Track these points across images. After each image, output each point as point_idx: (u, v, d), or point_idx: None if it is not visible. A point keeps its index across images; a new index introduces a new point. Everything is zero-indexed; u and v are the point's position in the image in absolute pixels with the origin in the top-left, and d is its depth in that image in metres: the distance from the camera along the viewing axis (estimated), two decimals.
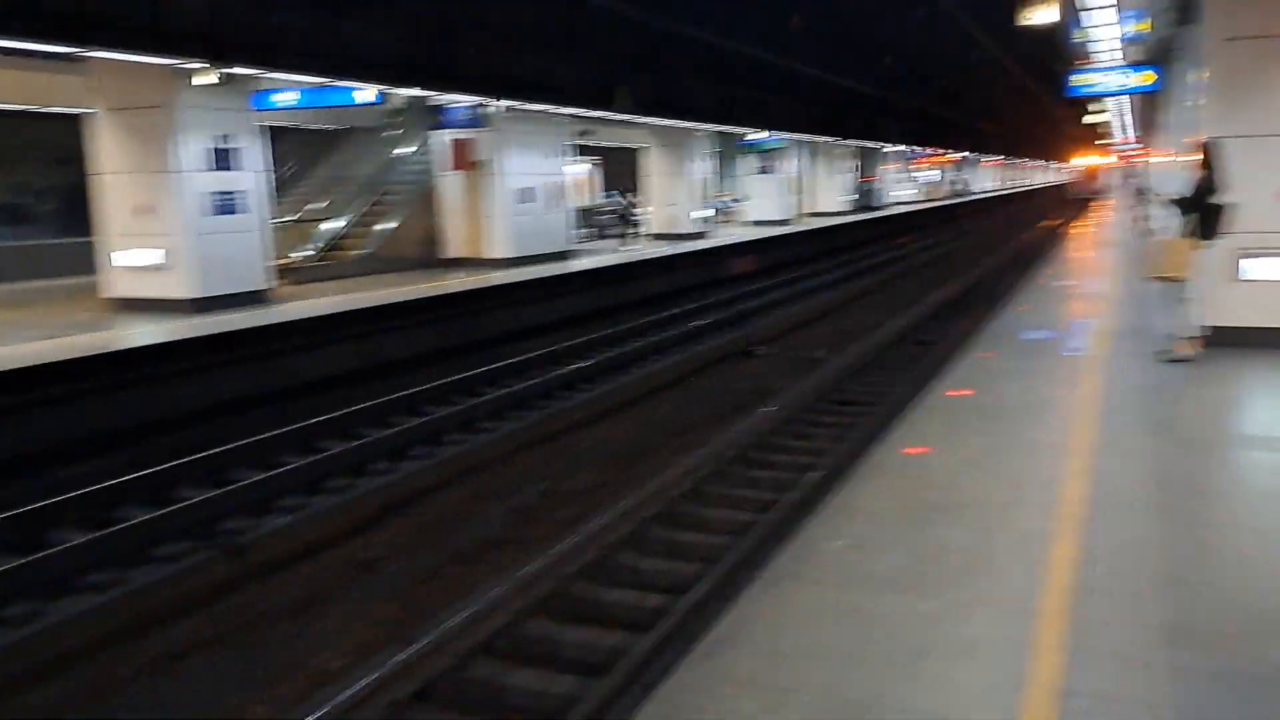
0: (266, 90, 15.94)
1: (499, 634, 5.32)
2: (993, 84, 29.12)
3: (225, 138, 11.96)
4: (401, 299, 13.53)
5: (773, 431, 9.54)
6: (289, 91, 15.51)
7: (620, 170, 27.98)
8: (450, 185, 17.34)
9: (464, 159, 16.75)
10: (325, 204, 16.89)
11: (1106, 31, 10.16)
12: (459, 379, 11.60)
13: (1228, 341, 7.99)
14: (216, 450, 8.66)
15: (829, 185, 36.44)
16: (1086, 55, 12.07)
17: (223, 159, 11.87)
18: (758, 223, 29.81)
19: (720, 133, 30.61)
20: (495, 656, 5.22)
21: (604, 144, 29.37)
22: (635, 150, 25.63)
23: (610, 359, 13.31)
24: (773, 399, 10.83)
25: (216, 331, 10.86)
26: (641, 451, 9.91)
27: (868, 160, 40.95)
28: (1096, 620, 3.51)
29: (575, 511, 7.95)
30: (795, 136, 29.07)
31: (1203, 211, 7.37)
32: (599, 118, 22.64)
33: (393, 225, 16.42)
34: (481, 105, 14.79)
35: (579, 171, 23.50)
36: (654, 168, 24.46)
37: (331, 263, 15.67)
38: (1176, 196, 7.65)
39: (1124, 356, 8.01)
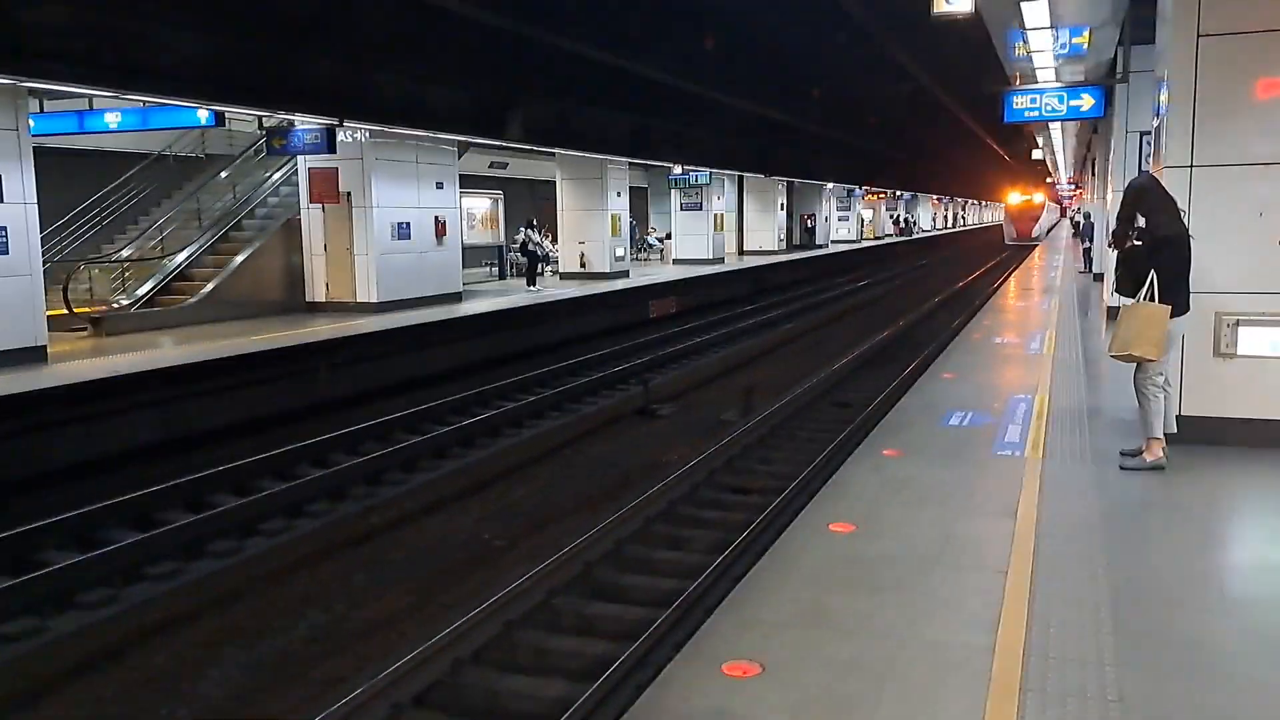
0: (97, 110, 13.80)
1: None
2: (932, 120, 27.80)
3: None
4: (231, 353, 11.32)
5: (639, 535, 7.58)
6: (112, 112, 13.39)
7: (537, 205, 26.04)
8: (314, 220, 15.18)
9: (325, 190, 14.63)
10: (157, 241, 14.59)
11: (1040, 41, 8.45)
12: (271, 455, 9.39)
13: (1202, 436, 6.12)
14: None
15: (762, 223, 34.91)
16: (1025, 77, 10.44)
17: None
18: (686, 261, 28.07)
19: (647, 166, 29.07)
20: None
21: (517, 176, 27.49)
22: (551, 183, 23.70)
23: (475, 424, 11.22)
24: (654, 478, 8.91)
25: None
26: (474, 558, 7.84)
27: (807, 197, 39.61)
28: None
29: (345, 665, 5.90)
30: (721, 171, 27.44)
31: (1156, 268, 5.55)
32: (496, 146, 20.75)
33: (239, 265, 14.17)
34: (331, 129, 12.70)
35: (480, 206, 21.44)
36: (566, 202, 22.54)
37: (163, 309, 13.37)
38: (1123, 249, 5.79)
39: (1073, 459, 5.99)
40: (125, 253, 14.41)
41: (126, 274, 13.83)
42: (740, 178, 33.71)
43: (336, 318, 14.57)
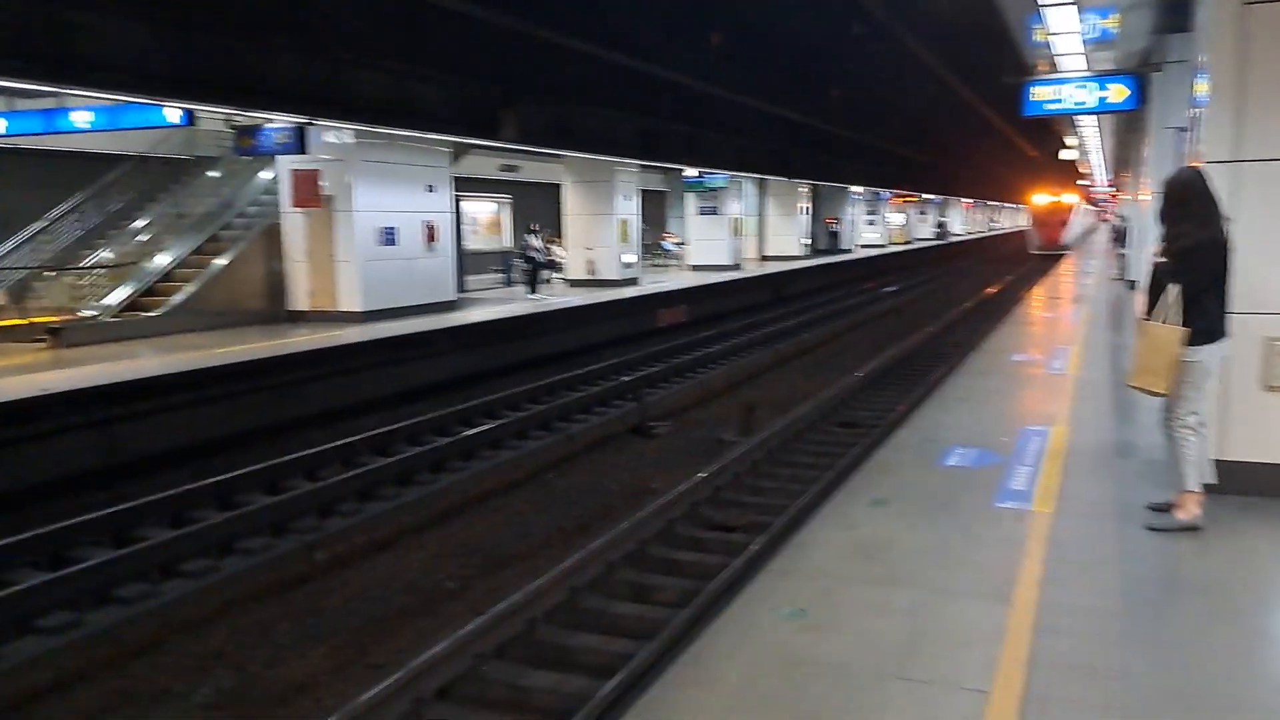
0: (63, 109, 13.16)
1: None
2: (960, 120, 26.71)
3: None
4: (187, 367, 10.58)
5: (599, 582, 6.73)
6: (80, 111, 12.74)
7: (552, 210, 25.23)
8: (295, 225, 14.45)
9: (307, 194, 13.90)
10: (128, 247, 13.91)
11: (1064, 22, 7.45)
12: (209, 484, 8.60)
13: (1247, 487, 5.11)
14: None
15: (783, 228, 33.88)
16: (1050, 67, 9.44)
17: None
18: (702, 268, 27.15)
19: (666, 169, 28.18)
20: None
21: (530, 180, 26.73)
22: (559, 187, 22.88)
23: (451, 445, 10.40)
24: (634, 508, 8.08)
25: None
26: (417, 605, 7.03)
27: (832, 202, 38.52)
28: None
29: None
30: (738, 174, 26.49)
31: (1181, 282, 4.58)
32: (507, 149, 19.99)
33: (215, 272, 13.45)
34: (301, 128, 11.95)
35: (484, 210, 20.66)
36: (572, 206, 21.70)
37: (130, 319, 12.68)
38: (1156, 259, 4.78)
39: (1090, 515, 4.95)
40: (104, 258, 13.75)
41: (98, 282, 13.16)
42: (762, 181, 32.72)
43: (318, 328, 13.83)
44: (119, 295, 12.99)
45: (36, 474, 8.56)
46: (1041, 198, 45.16)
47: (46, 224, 13.77)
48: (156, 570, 7.06)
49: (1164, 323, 4.52)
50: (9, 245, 13.81)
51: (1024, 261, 40.18)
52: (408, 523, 8.78)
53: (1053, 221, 45.01)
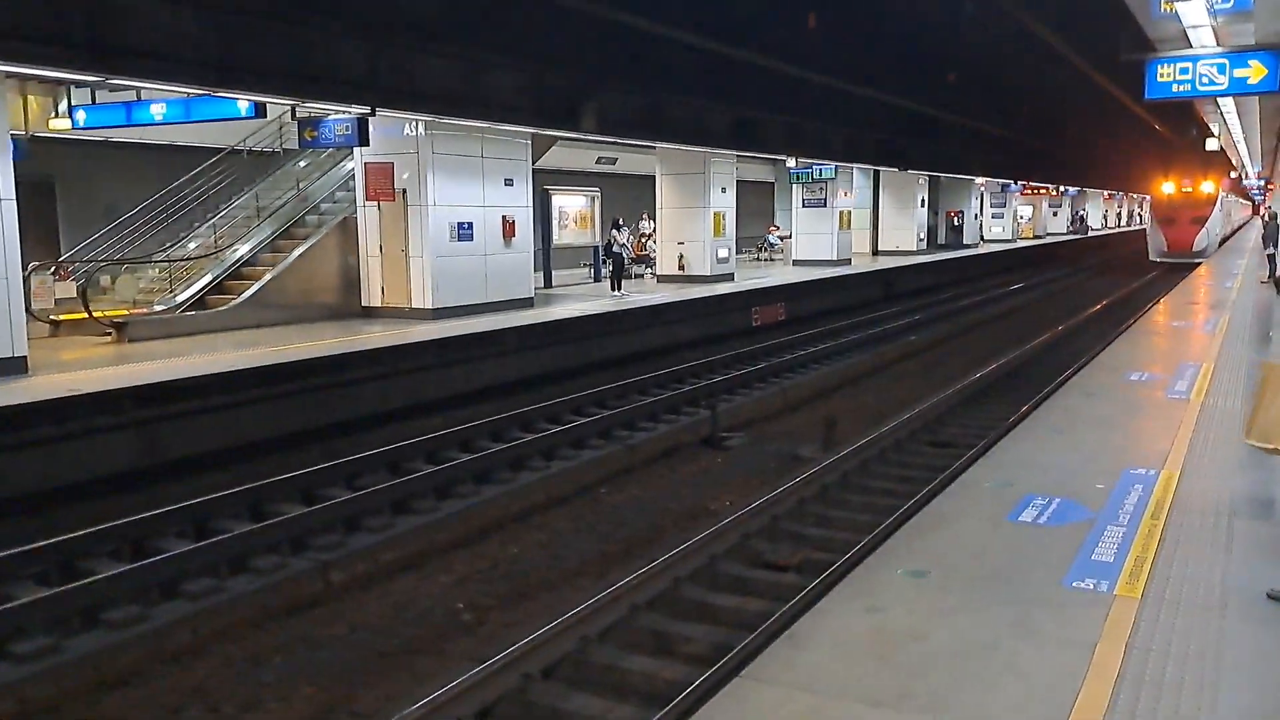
0: (144, 101, 13.19)
1: None
2: (1090, 106, 24.61)
3: None
4: (253, 364, 10.30)
5: (616, 630, 6.00)
6: (157, 104, 12.72)
7: (641, 202, 24.52)
8: (370, 219, 14.14)
9: (381, 187, 13.55)
10: (205, 241, 13.84)
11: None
12: (232, 493, 8.19)
13: None
14: None
15: (900, 220, 32.21)
16: (1174, 43, 8.09)
17: None
18: (806, 263, 25.96)
19: (772, 160, 27.04)
20: None
21: (628, 172, 26.07)
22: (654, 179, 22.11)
23: (500, 454, 9.79)
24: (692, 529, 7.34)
25: None
26: (427, 639, 6.44)
27: (954, 193, 36.55)
28: None
29: None
30: (846, 165, 25.16)
31: None
32: (604, 141, 19.34)
33: (286, 267, 13.25)
34: (363, 119, 11.54)
35: (574, 204, 20.07)
36: (665, 199, 20.89)
37: (199, 313, 12.59)
38: None
39: (1190, 602, 3.80)
40: (176, 253, 13.75)
41: (178, 275, 13.13)
42: (876, 172, 31.17)
43: (390, 324, 13.49)
44: (192, 289, 12.93)
45: (30, 482, 8.24)
46: (1168, 187, 34.93)
47: (124, 216, 13.83)
48: (156, 590, 6.65)
49: None
50: (92, 236, 13.95)
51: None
52: (439, 540, 8.21)
53: (1183, 219, 34.24)
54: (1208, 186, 34.22)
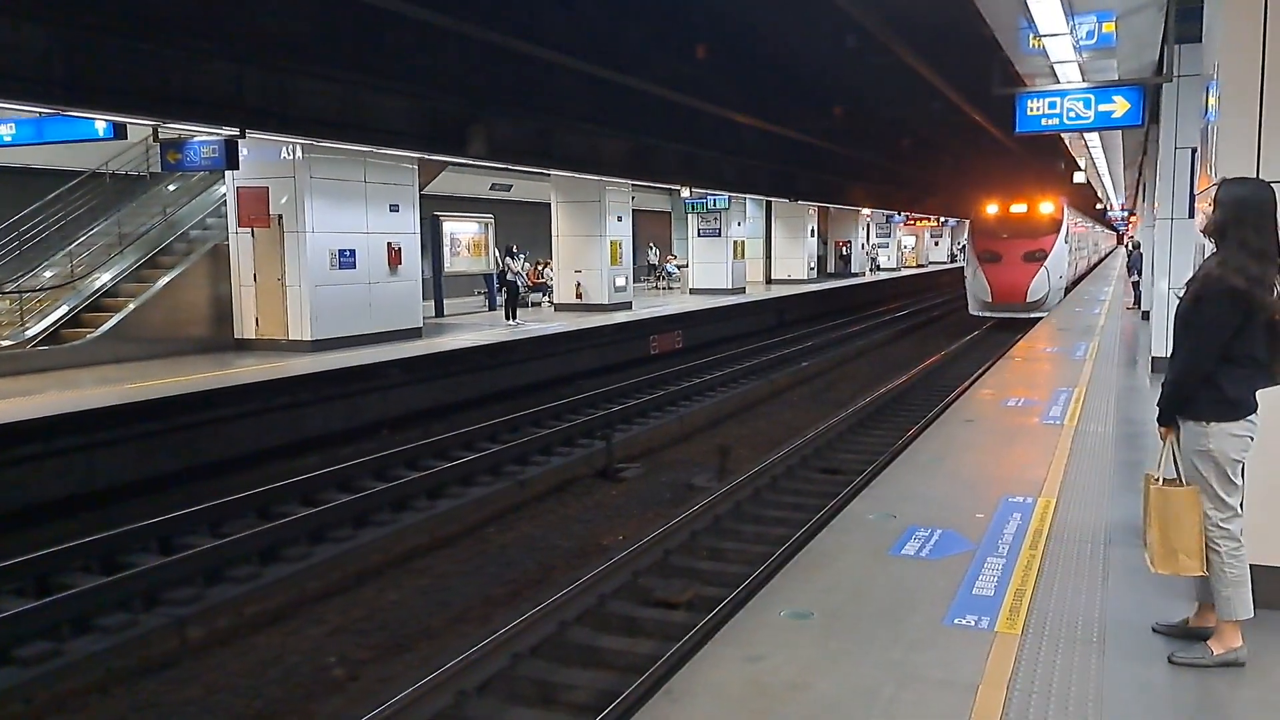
0: None
1: None
2: (966, 141, 25.52)
3: None
4: (109, 402, 9.57)
5: (496, 681, 5.63)
6: (5, 124, 11.87)
7: (536, 230, 24.27)
8: (243, 246, 13.49)
9: (254, 212, 12.95)
10: (61, 269, 12.96)
11: (1051, 21, 6.31)
12: (74, 546, 7.50)
13: None
14: None
15: (791, 250, 32.77)
16: (1043, 77, 8.33)
17: None
18: (702, 291, 26.10)
19: (669, 190, 27.10)
20: None
21: (520, 199, 25.82)
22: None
23: (378, 494, 9.32)
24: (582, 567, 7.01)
25: None
26: (290, 698, 5.97)
27: (842, 224, 37.43)
28: None
29: None
30: (739, 195, 25.45)
31: (1185, 339, 3.45)
32: (497, 168, 19.05)
33: (151, 297, 12.49)
34: (232, 141, 10.99)
35: (468, 230, 19.69)
36: (561, 227, 20.70)
37: (50, 348, 11.72)
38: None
39: (1070, 638, 3.73)
40: (27, 282, 12.83)
41: (24, 307, 12.22)
42: (768, 202, 31.66)
43: (265, 356, 12.85)
44: (45, 321, 12.05)
45: None
46: (992, 208, 24.08)
47: None
48: None
49: (1170, 476, 3.47)
50: None
51: None
52: (312, 589, 7.71)
53: (1012, 258, 22.87)
54: (1046, 206, 23.50)
